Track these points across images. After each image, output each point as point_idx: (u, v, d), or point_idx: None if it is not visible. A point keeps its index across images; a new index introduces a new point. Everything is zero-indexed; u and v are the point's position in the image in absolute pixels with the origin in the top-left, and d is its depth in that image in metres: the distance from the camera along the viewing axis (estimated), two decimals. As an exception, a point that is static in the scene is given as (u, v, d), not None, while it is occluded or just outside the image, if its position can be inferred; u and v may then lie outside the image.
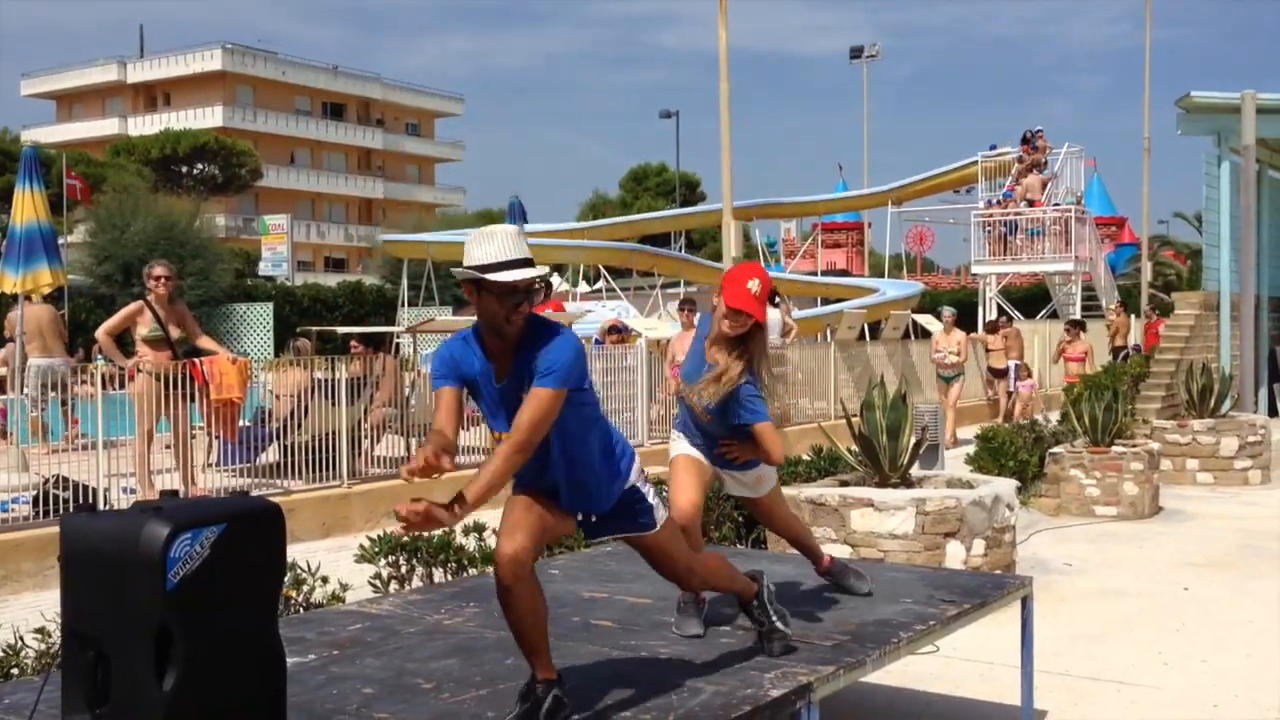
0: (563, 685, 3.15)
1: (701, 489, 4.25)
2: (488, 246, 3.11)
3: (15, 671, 4.09)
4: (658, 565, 3.58)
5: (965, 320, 26.73)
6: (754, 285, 4.06)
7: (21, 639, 4.23)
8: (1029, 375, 17.87)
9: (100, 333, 8.76)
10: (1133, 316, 21.49)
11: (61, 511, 7.74)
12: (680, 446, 4.31)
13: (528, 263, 3.12)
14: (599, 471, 3.32)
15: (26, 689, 3.56)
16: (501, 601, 3.15)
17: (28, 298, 10.44)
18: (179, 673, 2.23)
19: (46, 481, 7.98)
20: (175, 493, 2.60)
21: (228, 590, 2.34)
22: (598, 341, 13.58)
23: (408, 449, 10.59)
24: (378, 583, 5.50)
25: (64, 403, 10.13)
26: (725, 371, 4.09)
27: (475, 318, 3.24)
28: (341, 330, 26.73)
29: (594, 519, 3.40)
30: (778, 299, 16.16)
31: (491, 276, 3.06)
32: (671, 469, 4.30)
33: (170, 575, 2.20)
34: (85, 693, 2.28)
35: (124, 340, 8.94)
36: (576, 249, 28.05)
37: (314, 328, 20.20)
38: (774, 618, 3.77)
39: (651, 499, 3.43)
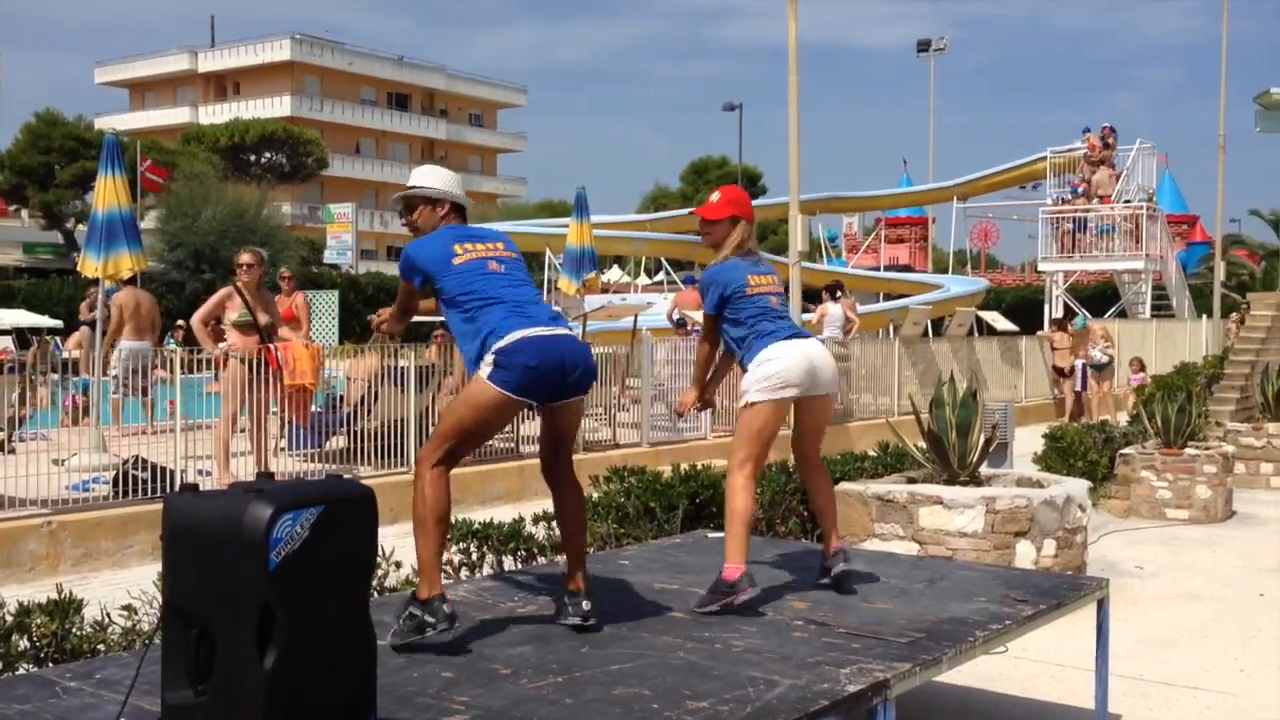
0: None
1: None
2: None
3: (102, 648, 4.18)
4: None
5: (1030, 318, 26.45)
6: (714, 196, 4.68)
7: (109, 615, 4.33)
8: (1141, 369, 17.61)
9: (195, 320, 8.96)
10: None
11: (139, 492, 7.92)
12: None
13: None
14: None
15: (115, 665, 3.64)
16: None
17: (129, 281, 10.82)
18: (279, 651, 2.29)
19: (125, 462, 8.16)
20: (271, 475, 2.66)
21: (325, 571, 2.39)
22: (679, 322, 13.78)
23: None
24: (449, 569, 5.56)
25: (143, 390, 10.34)
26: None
27: None
28: (413, 319, 26.97)
29: None
30: (839, 293, 16.10)
31: None
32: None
33: (273, 555, 2.26)
34: (188, 669, 2.34)
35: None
36: (638, 241, 28.07)
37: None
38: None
39: None
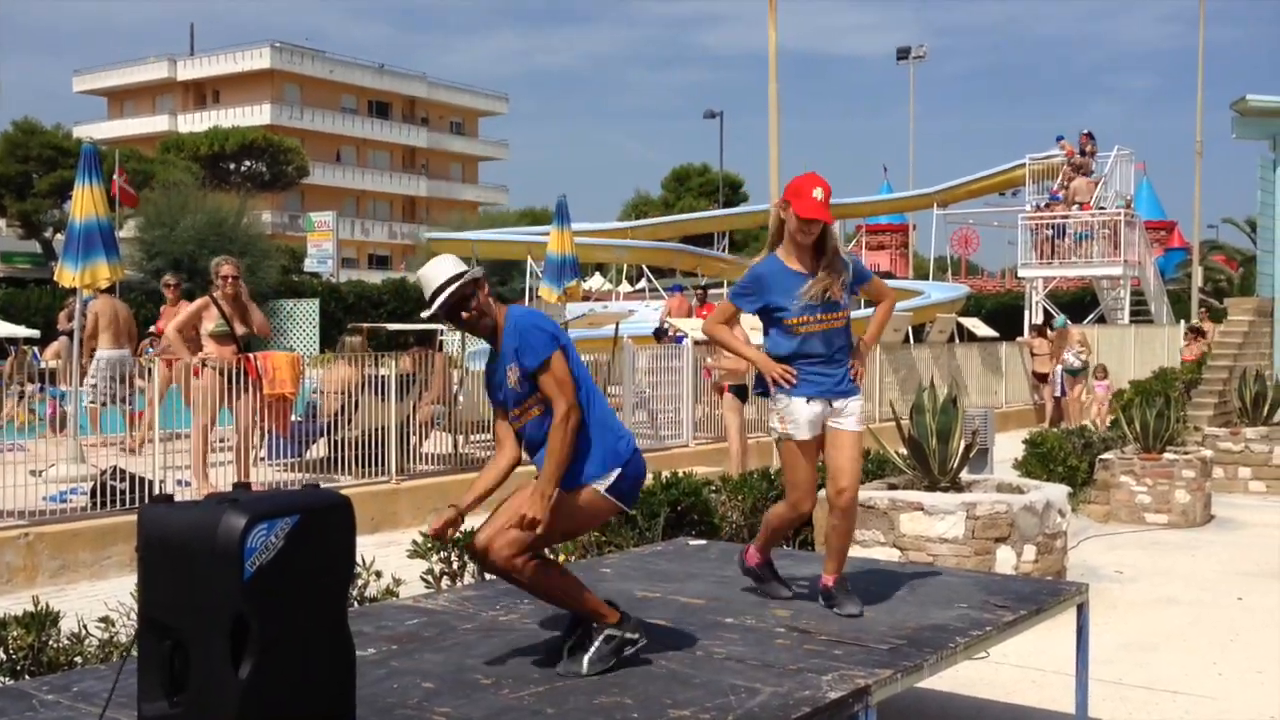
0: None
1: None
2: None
3: (79, 660, 4.15)
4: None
5: (1010, 325, 26.56)
6: (819, 193, 4.29)
7: (85, 627, 4.30)
8: (1105, 375, 17.63)
9: (170, 329, 8.94)
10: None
11: (118, 503, 7.87)
12: (799, 429, 4.38)
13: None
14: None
15: (93, 677, 3.62)
16: None
17: (106, 291, 10.81)
18: (254, 662, 2.27)
19: (104, 473, 8.10)
20: (247, 485, 2.64)
21: (301, 581, 2.38)
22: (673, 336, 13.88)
23: (455, 446, 10.66)
24: (430, 578, 5.54)
25: (122, 399, 10.35)
26: (830, 262, 4.34)
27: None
28: (391, 327, 26.98)
29: None
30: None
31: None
32: (796, 454, 4.44)
33: (247, 565, 2.24)
34: (162, 681, 2.32)
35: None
36: (620, 248, 28.09)
37: (364, 324, 20.37)
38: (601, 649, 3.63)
39: None
